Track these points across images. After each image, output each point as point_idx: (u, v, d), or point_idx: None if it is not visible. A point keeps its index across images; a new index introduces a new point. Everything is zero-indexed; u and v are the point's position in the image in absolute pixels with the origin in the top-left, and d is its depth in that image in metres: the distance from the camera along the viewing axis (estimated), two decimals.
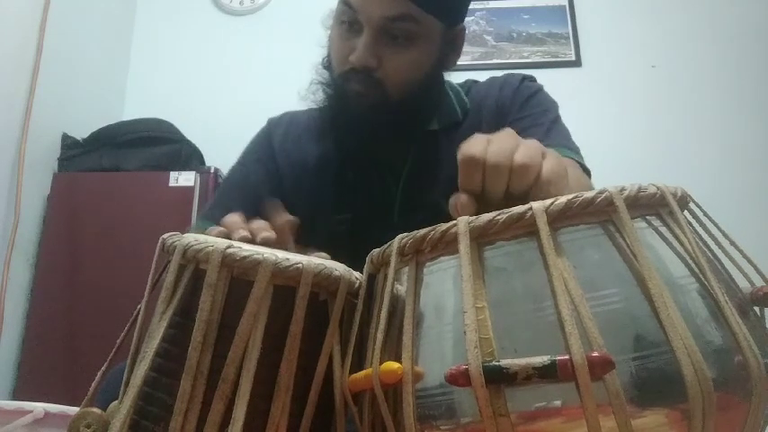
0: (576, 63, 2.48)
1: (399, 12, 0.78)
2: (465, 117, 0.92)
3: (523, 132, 0.86)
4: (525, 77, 0.96)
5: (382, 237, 0.87)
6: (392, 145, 0.89)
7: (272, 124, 1.01)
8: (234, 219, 0.66)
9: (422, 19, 0.80)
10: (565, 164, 0.53)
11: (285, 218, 0.70)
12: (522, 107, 0.90)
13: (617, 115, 2.35)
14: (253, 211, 0.78)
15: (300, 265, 0.46)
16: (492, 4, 2.62)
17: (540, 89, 0.96)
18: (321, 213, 0.88)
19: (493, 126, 0.83)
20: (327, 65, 0.89)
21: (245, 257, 0.45)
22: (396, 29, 0.80)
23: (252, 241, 0.62)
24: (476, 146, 0.49)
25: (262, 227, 0.65)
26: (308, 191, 0.91)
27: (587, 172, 0.85)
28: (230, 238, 0.61)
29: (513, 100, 0.92)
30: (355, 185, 0.90)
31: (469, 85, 0.98)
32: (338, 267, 0.49)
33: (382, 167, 0.90)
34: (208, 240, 0.47)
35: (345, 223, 0.87)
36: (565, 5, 2.57)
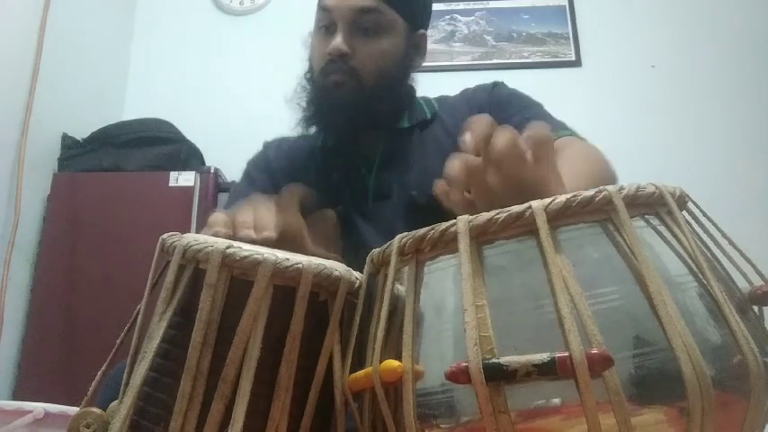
0: (576, 63, 2.48)
1: (368, 4, 0.91)
2: (434, 118, 1.01)
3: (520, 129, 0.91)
4: (497, 83, 1.04)
5: (361, 222, 0.93)
6: (367, 135, 0.97)
7: (266, 145, 1.11)
8: (244, 218, 0.66)
9: (387, 13, 0.93)
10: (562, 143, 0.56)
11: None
12: (504, 108, 0.96)
13: (617, 115, 2.35)
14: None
15: (300, 265, 0.46)
16: (492, 4, 2.62)
17: (514, 90, 1.02)
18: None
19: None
20: (309, 75, 0.99)
21: (244, 257, 0.45)
22: (365, 21, 0.91)
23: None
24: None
25: (266, 223, 0.66)
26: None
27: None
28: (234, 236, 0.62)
29: (489, 102, 0.99)
30: (339, 179, 0.98)
31: (440, 98, 1.07)
32: (338, 267, 0.49)
33: (358, 159, 0.98)
34: (208, 240, 0.47)
35: (338, 214, 0.93)
36: (565, 5, 2.57)
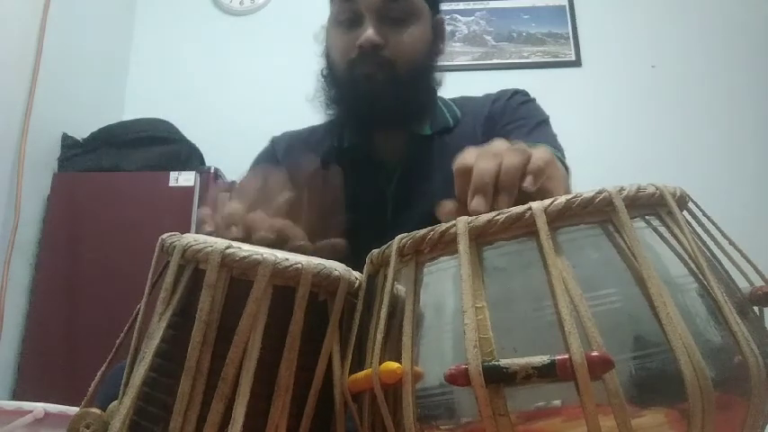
0: (576, 63, 2.48)
1: None
2: (456, 124, 0.97)
3: (508, 134, 0.88)
4: (518, 91, 1.01)
5: (378, 235, 0.90)
6: (388, 141, 0.93)
7: (275, 141, 1.06)
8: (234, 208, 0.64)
9: None
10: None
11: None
12: (512, 114, 0.94)
13: (617, 115, 2.35)
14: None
15: (300, 265, 0.46)
16: (492, 4, 2.62)
17: (531, 100, 1.00)
18: None
19: (487, 136, 0.89)
20: (327, 72, 0.95)
21: (244, 258, 0.45)
22: (395, 9, 0.88)
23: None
24: (466, 156, 0.52)
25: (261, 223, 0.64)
26: None
27: (567, 170, 0.87)
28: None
29: (503, 110, 0.96)
30: (354, 187, 0.93)
31: (462, 100, 1.04)
32: (338, 267, 0.49)
33: (377, 168, 0.94)
34: (207, 240, 0.47)
35: (349, 222, 0.89)
36: (565, 5, 2.57)
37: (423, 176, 0.92)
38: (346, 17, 0.90)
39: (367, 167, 0.94)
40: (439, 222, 0.43)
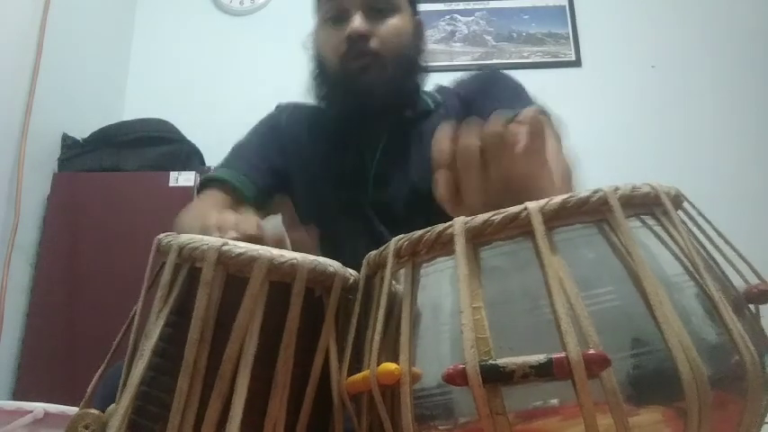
0: (576, 63, 2.48)
1: None
2: (437, 108, 1.02)
3: (490, 111, 0.90)
4: (486, 69, 1.05)
5: (360, 211, 0.93)
6: (374, 121, 0.97)
7: (281, 108, 1.10)
8: (227, 217, 0.67)
9: None
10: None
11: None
12: (487, 94, 0.97)
13: (617, 115, 2.35)
14: (264, 169, 0.94)
15: (295, 261, 0.46)
16: (492, 4, 2.62)
17: (502, 76, 1.03)
18: (320, 190, 0.97)
19: (461, 116, 0.90)
20: (318, 72, 0.98)
21: (240, 254, 0.45)
22: (379, 1, 0.93)
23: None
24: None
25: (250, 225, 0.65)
26: (308, 171, 1.00)
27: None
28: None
29: (476, 90, 1.00)
30: (344, 165, 0.98)
31: (440, 88, 1.08)
32: (332, 263, 0.49)
33: (361, 148, 0.98)
34: (203, 239, 0.47)
35: (333, 199, 0.95)
36: (565, 5, 2.57)
37: (402, 157, 0.95)
38: (333, 14, 0.94)
39: (352, 147, 0.98)
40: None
